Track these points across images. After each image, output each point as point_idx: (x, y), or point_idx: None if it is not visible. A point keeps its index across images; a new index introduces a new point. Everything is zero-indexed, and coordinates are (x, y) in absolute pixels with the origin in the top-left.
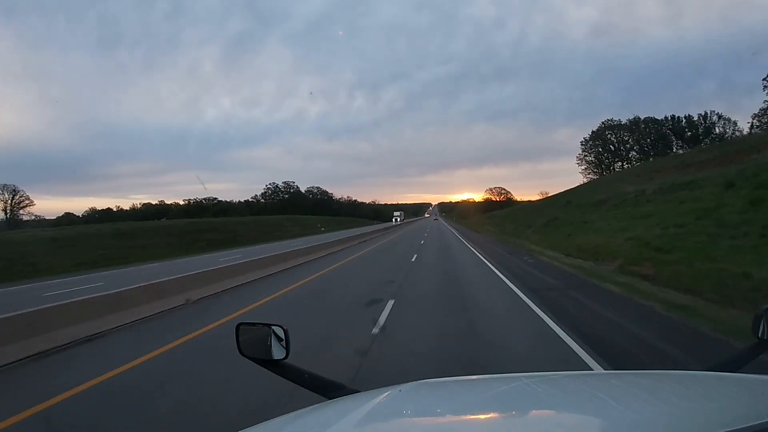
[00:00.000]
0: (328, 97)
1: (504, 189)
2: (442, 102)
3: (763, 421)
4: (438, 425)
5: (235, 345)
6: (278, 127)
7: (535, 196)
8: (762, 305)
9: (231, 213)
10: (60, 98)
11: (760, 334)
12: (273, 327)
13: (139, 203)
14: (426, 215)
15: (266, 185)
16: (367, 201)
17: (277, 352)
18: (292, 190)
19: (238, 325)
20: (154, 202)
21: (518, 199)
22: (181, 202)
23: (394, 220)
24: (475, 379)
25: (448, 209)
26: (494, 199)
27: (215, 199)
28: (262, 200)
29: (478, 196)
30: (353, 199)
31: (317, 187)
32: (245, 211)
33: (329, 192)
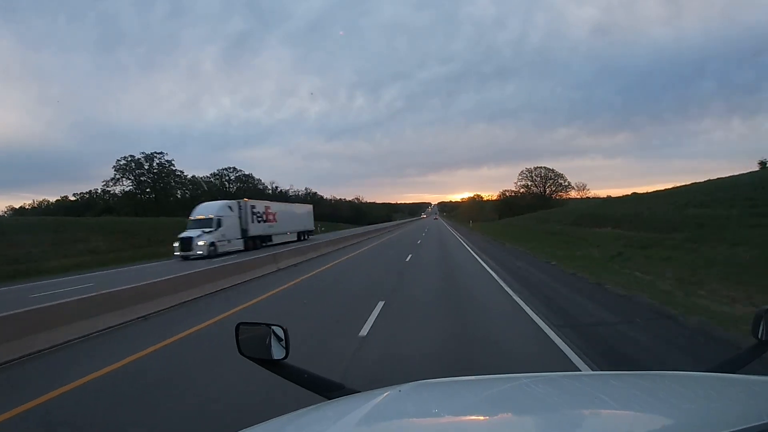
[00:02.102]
0: (328, 97)
1: (553, 172)
2: (442, 102)
3: (763, 421)
4: (437, 425)
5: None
6: (279, 127)
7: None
8: (762, 306)
9: (119, 211)
10: (60, 98)
11: (759, 335)
12: (273, 327)
13: (34, 201)
14: (423, 215)
15: (117, 161)
16: (349, 198)
17: (277, 352)
18: (164, 173)
19: (238, 324)
20: (53, 199)
21: (566, 195)
22: (72, 198)
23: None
24: (474, 380)
25: (449, 209)
26: (525, 191)
27: (107, 192)
28: (139, 191)
29: (487, 194)
30: (312, 191)
31: (233, 169)
32: (130, 209)
33: (261, 180)
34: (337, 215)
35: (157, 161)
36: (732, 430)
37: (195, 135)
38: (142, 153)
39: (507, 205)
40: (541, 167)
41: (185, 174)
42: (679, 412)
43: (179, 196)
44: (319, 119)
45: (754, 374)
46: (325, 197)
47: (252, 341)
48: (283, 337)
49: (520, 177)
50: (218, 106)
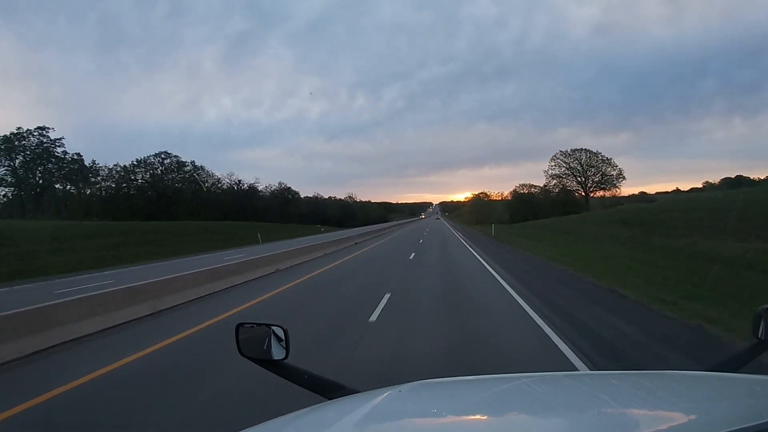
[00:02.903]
0: (329, 97)
1: (598, 157)
2: (443, 101)
3: (763, 421)
4: (438, 425)
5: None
6: (279, 127)
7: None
8: (761, 305)
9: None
10: (60, 98)
11: (759, 335)
12: (273, 327)
13: None
14: (422, 215)
15: None
16: (341, 197)
17: (277, 353)
18: (41, 158)
19: (238, 325)
20: None
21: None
22: None
23: None
24: (474, 379)
25: (450, 209)
26: (558, 183)
27: None
28: None
29: (495, 192)
30: (286, 186)
31: (165, 154)
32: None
33: (209, 169)
34: (321, 215)
35: (36, 139)
36: (732, 429)
37: (196, 135)
38: (19, 128)
39: (523, 204)
40: (581, 150)
41: (77, 158)
42: (679, 412)
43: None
44: (319, 119)
45: (754, 374)
46: (302, 195)
47: (252, 341)
48: (283, 338)
49: (552, 164)
50: (219, 106)
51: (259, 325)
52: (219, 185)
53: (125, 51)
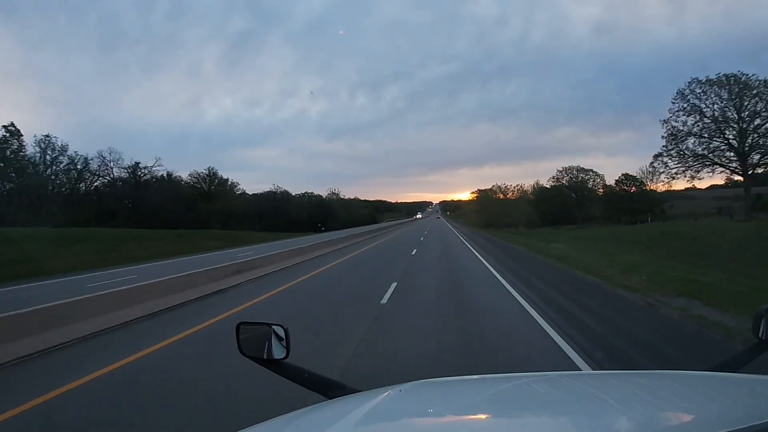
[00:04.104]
0: (329, 97)
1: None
2: (444, 101)
3: (764, 421)
4: (438, 425)
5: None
6: (280, 126)
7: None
8: (762, 305)
9: None
10: (61, 99)
11: (760, 335)
12: (273, 326)
13: None
14: (419, 215)
15: None
16: (323, 194)
17: (278, 352)
18: None
19: (238, 324)
20: None
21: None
22: None
23: None
24: (475, 379)
25: (451, 208)
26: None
27: None
28: None
29: (513, 185)
30: (213, 171)
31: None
32: None
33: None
34: (282, 215)
35: None
36: (732, 429)
37: (197, 133)
38: None
39: (560, 200)
40: (738, 77)
41: None
42: (679, 412)
43: None
44: (320, 119)
45: (754, 374)
46: (246, 191)
47: (253, 341)
48: (283, 337)
49: (679, 106)
50: (219, 106)
51: (260, 324)
52: (79, 168)
53: (125, 51)
